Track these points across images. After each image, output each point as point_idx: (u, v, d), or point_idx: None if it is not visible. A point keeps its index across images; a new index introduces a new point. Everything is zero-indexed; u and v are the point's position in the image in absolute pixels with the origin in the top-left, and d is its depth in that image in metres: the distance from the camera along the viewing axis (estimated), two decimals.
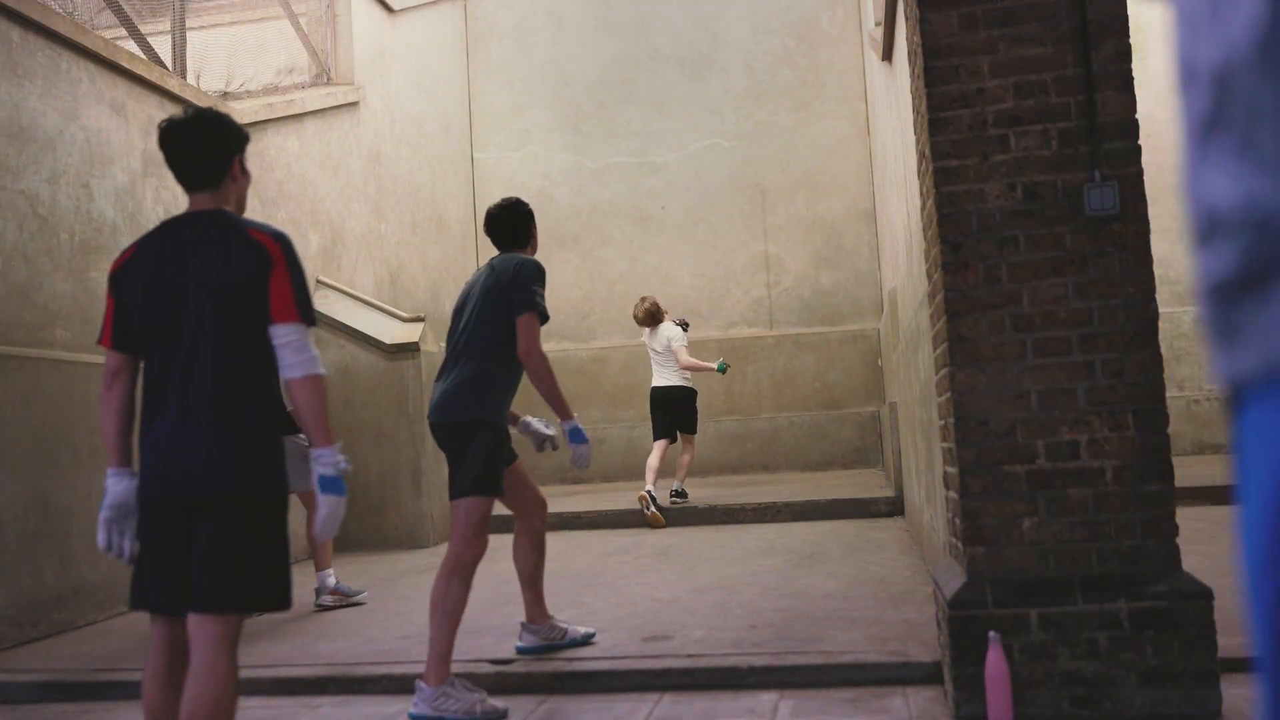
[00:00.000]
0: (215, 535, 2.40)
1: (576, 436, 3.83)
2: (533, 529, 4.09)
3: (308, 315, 2.51)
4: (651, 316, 8.07)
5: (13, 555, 4.87)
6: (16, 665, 4.43)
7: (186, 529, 2.45)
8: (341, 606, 5.41)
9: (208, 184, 2.56)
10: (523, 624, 4.13)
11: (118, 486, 2.52)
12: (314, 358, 2.49)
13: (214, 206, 2.57)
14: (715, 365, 8.03)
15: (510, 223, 3.98)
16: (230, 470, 2.40)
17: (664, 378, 8.03)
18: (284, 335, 2.46)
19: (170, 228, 2.52)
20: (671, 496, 8.14)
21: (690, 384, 8.08)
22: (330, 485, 2.47)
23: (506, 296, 3.73)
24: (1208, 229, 0.47)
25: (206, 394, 2.42)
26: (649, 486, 7.77)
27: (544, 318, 3.75)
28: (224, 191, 2.59)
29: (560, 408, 3.78)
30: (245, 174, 2.65)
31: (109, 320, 2.56)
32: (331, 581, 5.40)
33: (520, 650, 4.10)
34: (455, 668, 3.95)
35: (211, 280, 2.45)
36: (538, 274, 3.77)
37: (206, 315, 2.44)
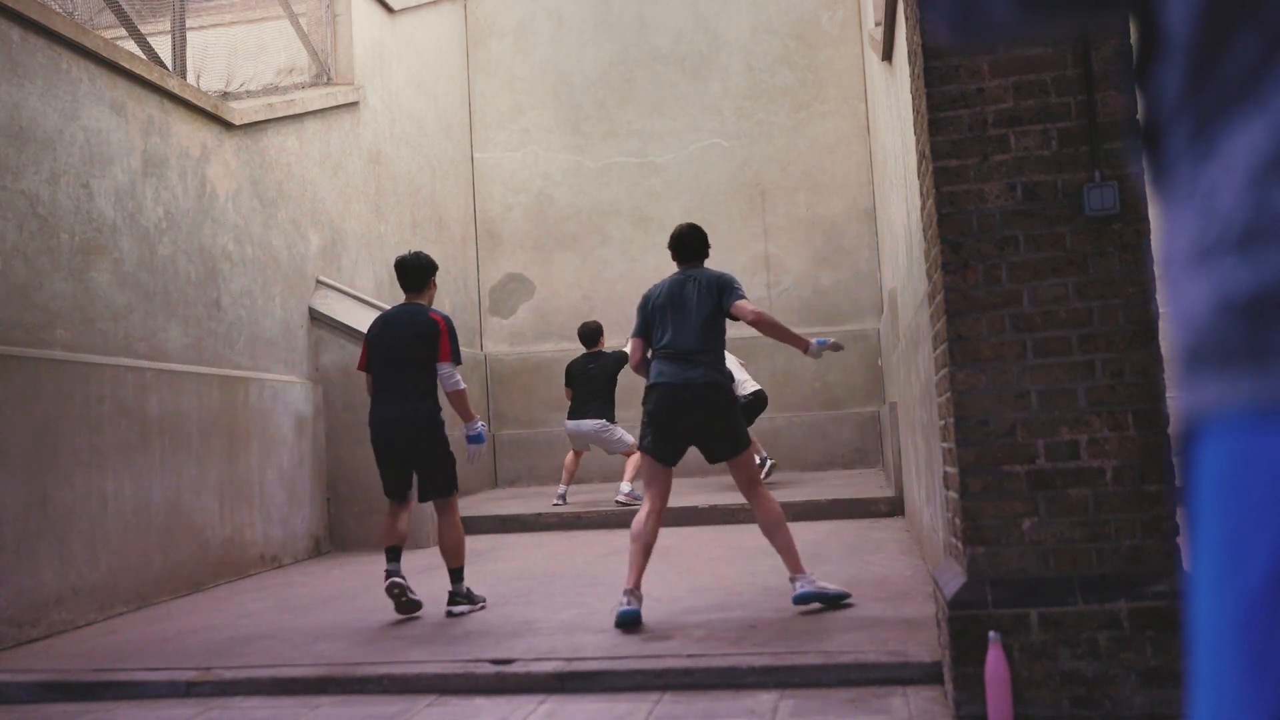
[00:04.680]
0: (428, 459, 5.11)
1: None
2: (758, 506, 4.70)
3: (458, 358, 5.13)
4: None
5: (13, 555, 4.86)
6: (16, 665, 4.43)
7: (397, 453, 5.11)
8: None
9: (417, 290, 5.31)
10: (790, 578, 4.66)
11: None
12: (459, 379, 5.13)
13: (417, 301, 5.29)
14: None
15: (700, 239, 5.18)
16: (434, 427, 5.09)
17: None
18: (444, 369, 5.11)
19: (394, 310, 5.26)
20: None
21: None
22: (476, 439, 5.27)
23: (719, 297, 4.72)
24: (1258, 233, 0.45)
25: (406, 385, 5.04)
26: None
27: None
28: (424, 294, 5.32)
29: None
30: (435, 285, 5.39)
31: (364, 354, 5.26)
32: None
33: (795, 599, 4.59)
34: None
35: (407, 334, 5.10)
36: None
37: (403, 351, 5.08)
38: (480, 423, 5.26)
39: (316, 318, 7.94)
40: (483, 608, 5.04)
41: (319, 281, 8.14)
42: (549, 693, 3.80)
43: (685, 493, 8.95)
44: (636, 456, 8.50)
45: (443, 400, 5.27)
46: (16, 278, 5.10)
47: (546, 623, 4.64)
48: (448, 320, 5.11)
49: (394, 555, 5.00)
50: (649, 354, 4.86)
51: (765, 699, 3.55)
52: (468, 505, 9.30)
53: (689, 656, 3.87)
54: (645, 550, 4.52)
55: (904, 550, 6.10)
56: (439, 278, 11.16)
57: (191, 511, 6.25)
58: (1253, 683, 0.44)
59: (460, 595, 4.97)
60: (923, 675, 3.57)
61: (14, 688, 4.17)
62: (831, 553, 6.17)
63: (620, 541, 7.23)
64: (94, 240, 5.67)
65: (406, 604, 4.89)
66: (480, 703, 3.74)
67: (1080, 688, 3.03)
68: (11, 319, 5.04)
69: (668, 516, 7.97)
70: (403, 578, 4.90)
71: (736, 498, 8.39)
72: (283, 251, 7.69)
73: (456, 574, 5.01)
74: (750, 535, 7.18)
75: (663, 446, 4.60)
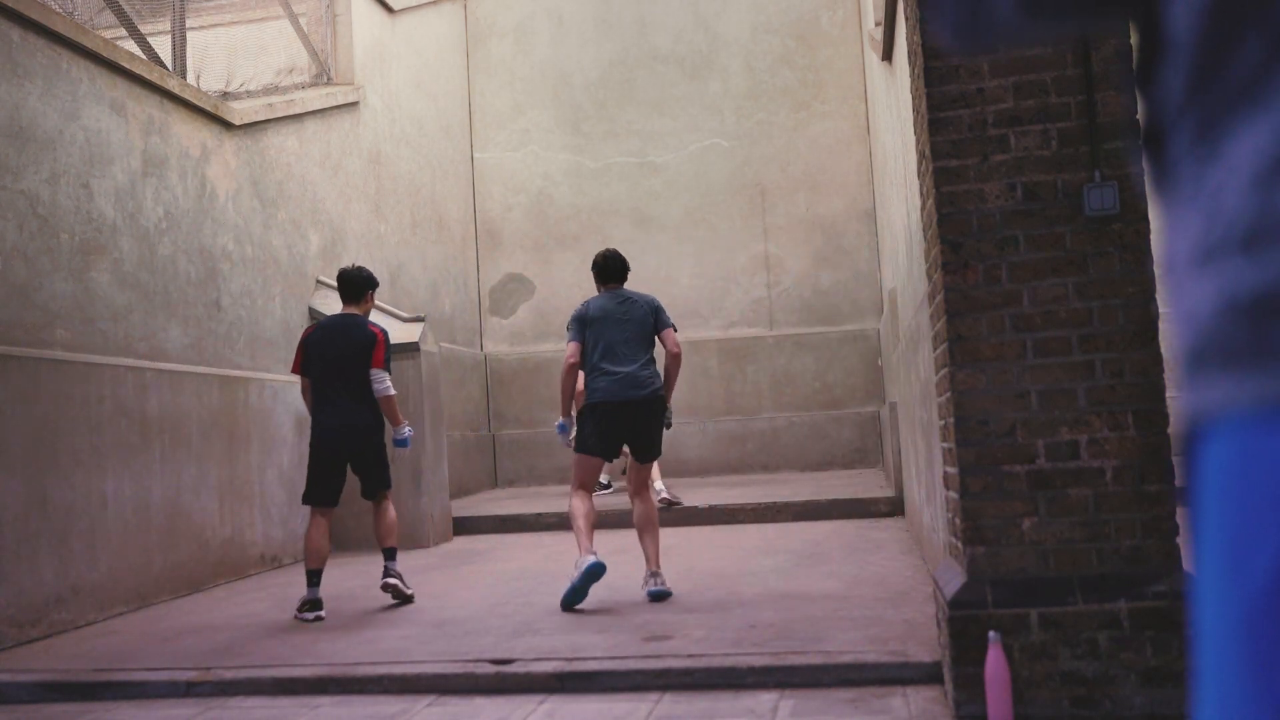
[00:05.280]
0: (370, 461, 5.44)
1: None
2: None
3: (389, 366, 5.48)
4: None
5: (13, 555, 4.86)
6: (16, 665, 4.43)
7: (344, 458, 5.40)
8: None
9: (355, 301, 5.62)
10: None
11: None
12: (389, 386, 5.43)
13: (353, 311, 5.60)
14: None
15: (624, 262, 5.40)
16: (373, 430, 5.42)
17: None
18: (376, 374, 5.43)
19: (334, 319, 5.55)
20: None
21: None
22: (402, 444, 5.57)
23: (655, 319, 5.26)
24: (1262, 233, 0.46)
25: (354, 395, 5.39)
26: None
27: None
28: (361, 305, 5.64)
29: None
30: (371, 299, 5.70)
31: (299, 359, 5.52)
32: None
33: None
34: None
35: (351, 345, 5.42)
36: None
37: (349, 361, 5.40)
38: (408, 427, 5.57)
39: (316, 318, 7.93)
40: (411, 597, 5.40)
41: (319, 281, 8.14)
42: (549, 693, 3.80)
43: (685, 493, 8.95)
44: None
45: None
46: (16, 278, 5.10)
47: (546, 623, 4.64)
48: (385, 333, 5.49)
49: (317, 579, 5.21)
50: (588, 365, 5.27)
51: (765, 699, 3.55)
52: (468, 505, 9.30)
53: (689, 656, 3.87)
54: (592, 521, 5.14)
55: (904, 550, 6.10)
56: (443, 278, 11.24)
57: (191, 511, 6.25)
58: (1258, 682, 0.44)
59: (395, 572, 5.37)
60: (923, 675, 3.57)
61: (14, 688, 4.17)
62: (831, 553, 6.17)
63: (620, 541, 7.24)
64: (94, 240, 5.67)
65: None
66: (480, 703, 3.74)
67: (1080, 688, 3.03)
68: (11, 319, 5.04)
69: (668, 517, 8.00)
70: (317, 604, 5.15)
71: (736, 499, 8.39)
72: (283, 251, 7.69)
73: (391, 553, 5.43)
74: (750, 535, 7.18)
75: (605, 446, 5.16)
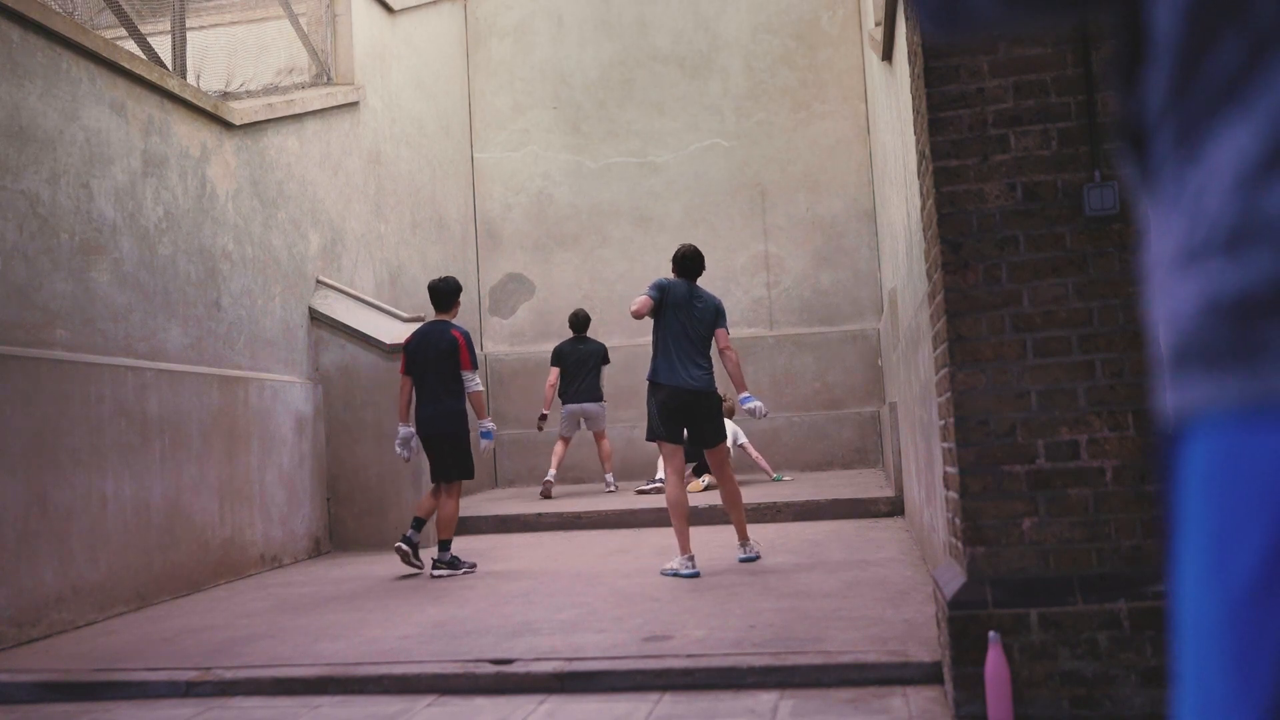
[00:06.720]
0: (451, 450, 6.26)
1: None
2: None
3: (475, 364, 6.33)
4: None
5: (13, 555, 4.86)
6: (16, 665, 4.43)
7: (430, 441, 6.27)
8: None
9: (445, 310, 6.49)
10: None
11: (405, 431, 6.42)
12: (477, 383, 6.33)
13: (444, 319, 6.46)
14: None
15: (702, 260, 5.98)
16: (456, 423, 6.26)
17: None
18: (465, 375, 6.32)
19: (427, 326, 6.42)
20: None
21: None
22: (486, 435, 6.49)
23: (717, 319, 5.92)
24: (1244, 234, 0.46)
25: (443, 390, 6.26)
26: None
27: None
28: (450, 313, 6.49)
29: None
30: (459, 304, 6.54)
31: (404, 362, 6.40)
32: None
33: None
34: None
35: (439, 349, 6.29)
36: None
37: (438, 362, 6.27)
38: (490, 423, 6.47)
39: (316, 318, 7.94)
40: (468, 571, 6.25)
41: (319, 281, 8.14)
42: (549, 693, 3.80)
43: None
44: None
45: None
46: (16, 278, 5.10)
47: (546, 623, 4.64)
48: (465, 335, 6.36)
49: (419, 525, 6.33)
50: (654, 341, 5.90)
51: (765, 699, 3.55)
52: (468, 505, 9.31)
53: (689, 656, 3.87)
54: (687, 515, 5.71)
55: (904, 550, 6.09)
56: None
57: (191, 511, 6.25)
58: (1239, 681, 0.44)
59: (443, 563, 6.19)
60: (923, 675, 3.57)
61: (14, 688, 4.17)
62: (831, 553, 6.17)
63: (619, 541, 7.24)
64: (94, 240, 5.67)
65: (409, 563, 6.27)
66: (480, 703, 3.74)
67: (1080, 688, 3.03)
68: (11, 319, 5.04)
69: (667, 517, 7.99)
70: (413, 544, 6.24)
71: None
72: (283, 251, 7.69)
73: (445, 545, 6.27)
74: (751, 535, 7.17)
75: (672, 430, 5.78)
